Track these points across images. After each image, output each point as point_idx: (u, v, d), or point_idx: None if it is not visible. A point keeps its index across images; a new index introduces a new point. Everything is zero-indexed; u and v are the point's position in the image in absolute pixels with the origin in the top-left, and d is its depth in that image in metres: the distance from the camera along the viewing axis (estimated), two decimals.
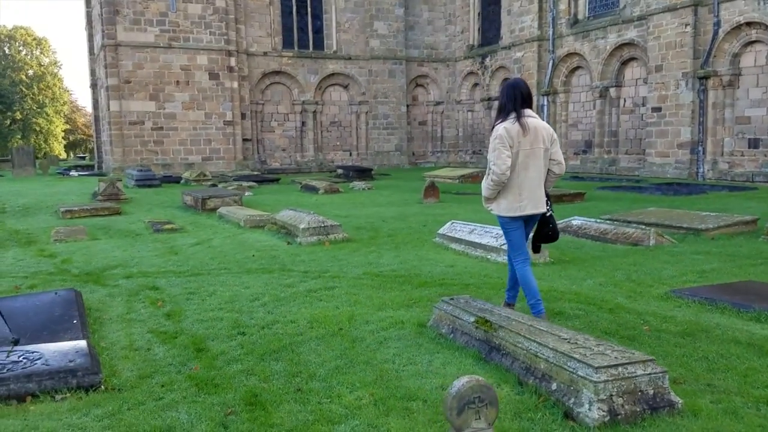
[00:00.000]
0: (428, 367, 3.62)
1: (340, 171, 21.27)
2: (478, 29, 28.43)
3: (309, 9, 27.37)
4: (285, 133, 27.63)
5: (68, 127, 75.86)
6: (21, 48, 69.12)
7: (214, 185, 16.97)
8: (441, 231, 8.05)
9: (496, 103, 26.40)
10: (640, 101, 20.44)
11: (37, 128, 68.77)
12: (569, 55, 22.79)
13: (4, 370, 3.63)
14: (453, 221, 8.12)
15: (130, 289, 6.01)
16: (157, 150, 24.25)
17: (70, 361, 3.78)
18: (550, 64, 23.47)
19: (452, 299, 4.27)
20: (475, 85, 28.77)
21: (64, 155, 71.15)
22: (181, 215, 11.97)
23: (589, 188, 14.14)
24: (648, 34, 19.07)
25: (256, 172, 23.15)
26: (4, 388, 3.47)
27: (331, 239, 8.33)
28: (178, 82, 24.29)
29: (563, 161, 4.58)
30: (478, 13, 28.26)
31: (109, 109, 23.47)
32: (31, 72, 68.57)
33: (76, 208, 11.99)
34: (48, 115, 69.50)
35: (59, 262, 7.50)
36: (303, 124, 27.70)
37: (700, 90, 17.61)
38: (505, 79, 24.44)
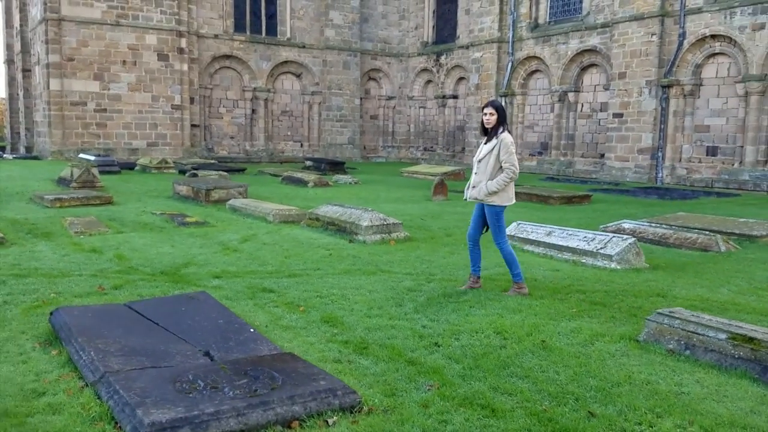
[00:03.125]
0: (705, 390, 3.51)
1: (309, 163, 20.67)
2: (433, 27, 28.58)
3: None
4: (234, 120, 26.56)
5: None
6: None
7: (192, 173, 15.94)
8: (506, 232, 7.97)
9: (450, 101, 26.97)
10: (598, 107, 21.32)
11: None
12: (528, 58, 23.37)
13: (253, 390, 3.20)
14: (519, 222, 8.08)
15: (240, 292, 5.51)
16: (99, 133, 22.60)
17: (314, 379, 3.39)
18: (509, 66, 23.97)
19: (672, 312, 4.21)
20: (428, 81, 28.92)
21: None
22: (186, 207, 11.18)
23: (579, 190, 14.59)
24: (612, 41, 19.90)
25: (212, 161, 22.04)
26: (271, 413, 3.06)
27: (394, 238, 8.06)
28: (124, 62, 22.73)
29: None
30: (433, 11, 28.39)
31: (48, 88, 21.55)
32: None
33: (64, 197, 10.89)
34: None
35: (113, 258, 6.78)
36: (253, 111, 26.75)
37: (662, 98, 18.62)
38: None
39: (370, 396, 3.45)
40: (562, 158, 22.34)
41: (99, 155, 17.62)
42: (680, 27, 18.02)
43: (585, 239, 6.92)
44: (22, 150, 28.56)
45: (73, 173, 13.15)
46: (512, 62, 23.87)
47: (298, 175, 15.99)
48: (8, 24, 32.35)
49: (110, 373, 3.39)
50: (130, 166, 19.16)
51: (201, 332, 4.13)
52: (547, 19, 23.00)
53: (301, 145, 28.18)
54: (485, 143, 5.54)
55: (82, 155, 18.25)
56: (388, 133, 30.56)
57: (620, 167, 19.86)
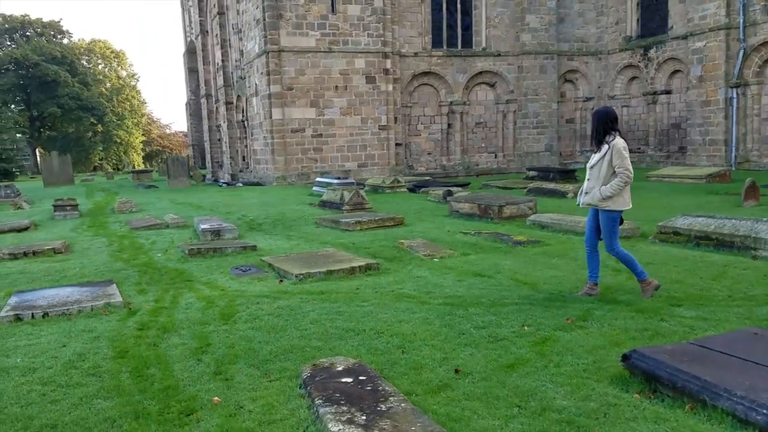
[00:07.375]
0: None
1: (533, 173, 19.80)
2: (637, 20, 26.67)
3: (459, 5, 26.15)
4: (431, 136, 26.47)
5: (144, 138, 76.69)
6: (99, 61, 70.08)
7: (447, 191, 15.59)
8: None
9: (662, 97, 24.89)
10: None
11: (118, 140, 69.53)
12: (765, 43, 20.84)
13: None
14: None
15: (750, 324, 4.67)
16: (317, 157, 23.36)
17: None
18: (741, 54, 21.55)
19: None
20: (633, 78, 26.99)
21: (142, 166, 71.50)
22: (481, 225, 10.69)
23: None
24: None
25: (426, 177, 21.97)
26: None
27: None
28: (336, 87, 23.35)
29: None
30: (638, 3, 26.51)
31: (270, 118, 22.63)
32: (108, 84, 69.31)
33: (363, 220, 10.89)
34: (128, 127, 70.17)
35: (515, 283, 6.26)
36: (449, 126, 26.50)
37: None
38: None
39: None
40: None
41: (339, 178, 18.01)
42: None
43: None
44: (226, 177, 30.48)
45: (344, 196, 13.29)
46: (744, 49, 21.43)
47: (550, 186, 15.14)
48: (205, 61, 35.09)
49: None
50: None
51: None
52: None
53: (495, 156, 27.48)
54: (596, 151, 5.64)
55: (319, 179, 18.76)
56: (586, 137, 28.83)
57: None
